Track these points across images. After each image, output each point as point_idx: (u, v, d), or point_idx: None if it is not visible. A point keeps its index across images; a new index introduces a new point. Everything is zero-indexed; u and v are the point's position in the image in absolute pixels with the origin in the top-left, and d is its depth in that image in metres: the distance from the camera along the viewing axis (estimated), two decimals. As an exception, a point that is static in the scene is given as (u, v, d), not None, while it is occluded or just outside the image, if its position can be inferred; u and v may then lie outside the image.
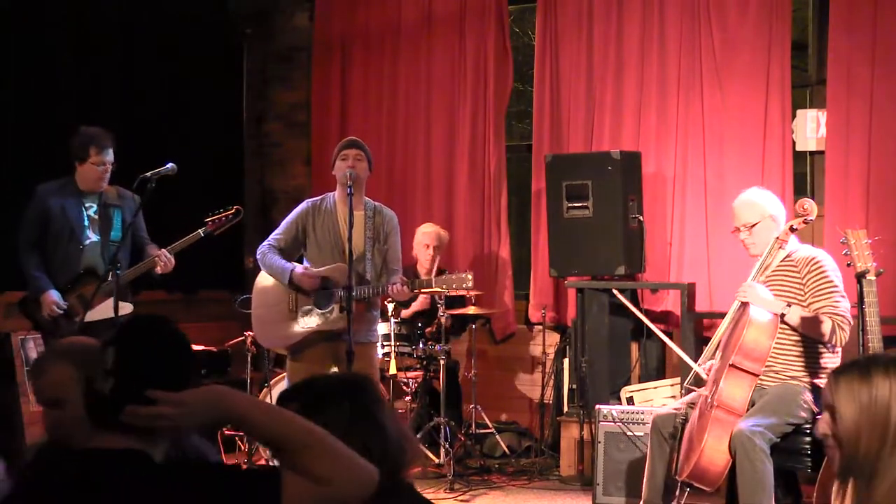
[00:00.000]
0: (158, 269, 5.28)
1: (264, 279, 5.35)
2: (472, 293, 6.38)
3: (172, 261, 5.29)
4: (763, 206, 4.67)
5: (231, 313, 6.61)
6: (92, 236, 5.32)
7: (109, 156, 5.29)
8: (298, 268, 5.17)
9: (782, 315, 4.42)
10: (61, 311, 5.16)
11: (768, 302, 4.46)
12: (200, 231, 5.36)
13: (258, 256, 5.32)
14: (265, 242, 5.33)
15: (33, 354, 6.08)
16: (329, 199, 5.33)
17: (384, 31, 7.58)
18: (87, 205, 5.35)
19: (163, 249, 5.29)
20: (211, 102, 7.57)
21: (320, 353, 5.19)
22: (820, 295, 4.46)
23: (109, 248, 5.21)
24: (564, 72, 7.00)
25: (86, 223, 5.33)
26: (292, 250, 5.33)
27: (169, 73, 7.17)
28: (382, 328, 6.14)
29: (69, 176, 5.33)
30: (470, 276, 5.33)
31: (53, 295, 5.18)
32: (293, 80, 8.06)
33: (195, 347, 6.59)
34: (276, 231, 5.36)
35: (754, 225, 4.64)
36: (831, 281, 4.48)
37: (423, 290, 5.68)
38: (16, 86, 6.19)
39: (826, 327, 4.38)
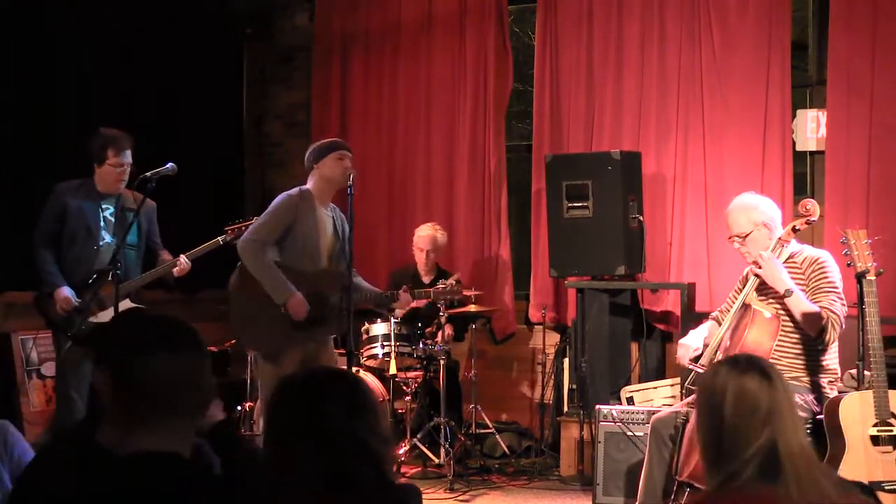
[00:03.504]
0: (176, 272, 5.36)
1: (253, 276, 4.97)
2: (473, 293, 6.39)
3: (189, 265, 5.36)
4: (755, 214, 4.65)
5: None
6: (107, 237, 5.35)
7: (127, 157, 5.33)
8: (298, 296, 4.88)
9: (784, 295, 4.42)
10: (74, 307, 5.17)
11: (779, 278, 4.45)
12: (220, 239, 5.43)
13: (247, 254, 4.94)
14: (256, 238, 4.95)
15: (33, 354, 6.09)
16: (306, 195, 5.07)
17: (384, 32, 7.57)
18: (104, 206, 5.38)
19: (182, 255, 5.35)
20: (211, 102, 7.56)
21: (295, 355, 4.96)
22: (821, 291, 4.47)
23: (128, 252, 5.25)
24: (564, 72, 7.00)
25: (101, 224, 5.35)
26: (273, 247, 5.04)
27: (169, 74, 7.16)
28: (382, 328, 6.15)
29: (88, 177, 5.37)
30: (456, 280, 5.30)
31: (66, 291, 5.20)
32: (293, 80, 8.05)
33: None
34: (260, 226, 5.01)
35: (747, 235, 4.63)
36: (832, 281, 4.50)
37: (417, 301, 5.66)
38: (15, 86, 6.19)
39: (821, 322, 4.39)
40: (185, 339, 2.06)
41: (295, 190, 5.11)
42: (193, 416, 2.07)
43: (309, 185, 5.12)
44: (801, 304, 4.43)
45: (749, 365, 2.35)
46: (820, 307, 4.43)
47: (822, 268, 4.52)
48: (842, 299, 4.48)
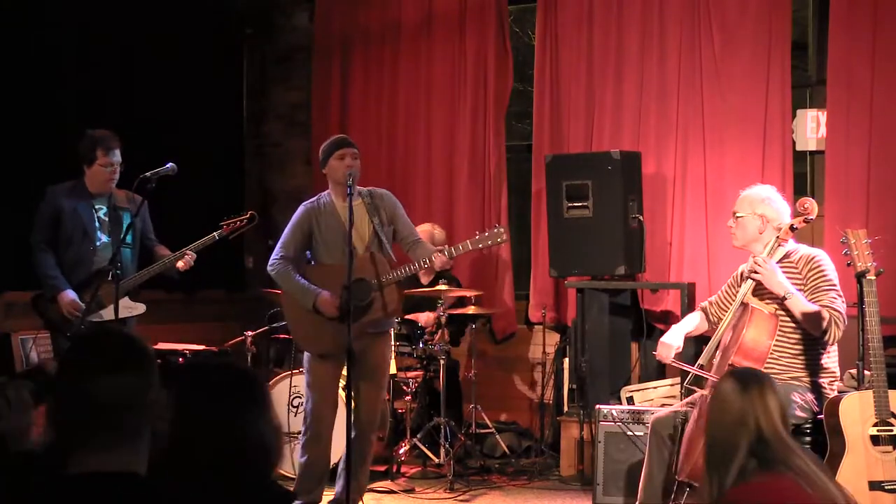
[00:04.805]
0: (181, 266, 5.33)
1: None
2: (472, 293, 6.39)
3: (195, 255, 5.35)
4: (759, 205, 4.68)
5: (231, 313, 6.60)
6: (103, 237, 5.34)
7: (116, 157, 5.32)
8: (323, 294, 4.96)
9: (784, 298, 4.43)
10: (78, 311, 5.16)
11: (777, 283, 4.46)
12: (215, 234, 5.42)
13: (272, 273, 5.11)
14: (276, 257, 5.11)
15: (33, 354, 6.08)
16: (324, 198, 5.16)
17: (384, 32, 7.57)
18: (97, 206, 5.37)
19: (185, 249, 5.35)
20: (211, 102, 7.56)
21: (341, 352, 4.94)
22: (820, 290, 4.48)
23: (123, 250, 5.23)
24: (564, 72, 7.00)
25: (97, 225, 5.35)
26: (300, 256, 5.17)
27: (169, 74, 7.16)
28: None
29: (79, 178, 5.35)
30: (503, 230, 5.20)
31: (71, 294, 5.19)
32: (293, 80, 8.06)
33: (195, 347, 6.52)
34: (281, 242, 5.14)
35: (740, 217, 4.69)
36: (830, 279, 4.51)
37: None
38: (16, 86, 6.19)
39: (823, 321, 4.40)
40: (129, 358, 2.00)
41: (312, 198, 5.23)
42: (136, 437, 1.98)
43: (329, 188, 5.20)
44: (801, 305, 4.44)
45: (732, 374, 2.77)
46: (821, 306, 4.44)
47: (819, 266, 4.54)
48: (841, 296, 4.49)
